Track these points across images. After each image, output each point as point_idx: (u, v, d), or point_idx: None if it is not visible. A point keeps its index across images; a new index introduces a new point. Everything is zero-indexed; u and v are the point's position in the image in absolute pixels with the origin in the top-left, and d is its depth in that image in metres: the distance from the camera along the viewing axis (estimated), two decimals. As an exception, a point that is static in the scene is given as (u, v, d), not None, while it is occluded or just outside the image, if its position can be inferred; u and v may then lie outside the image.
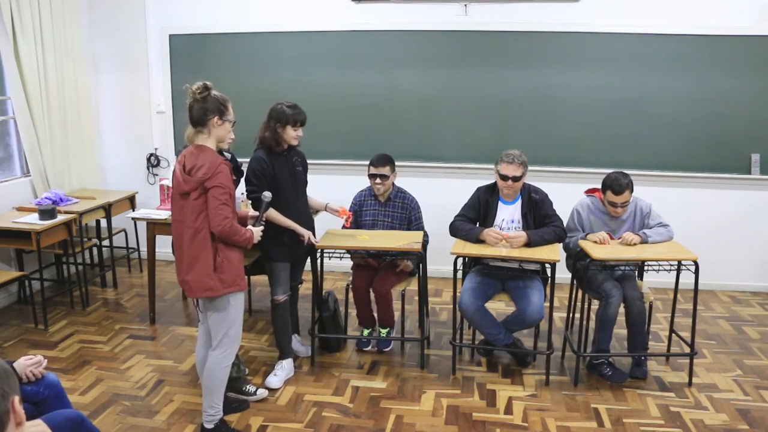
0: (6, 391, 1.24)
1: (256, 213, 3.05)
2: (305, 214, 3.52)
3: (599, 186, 3.63)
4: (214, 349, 2.83)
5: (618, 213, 3.59)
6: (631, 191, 3.51)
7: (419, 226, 3.93)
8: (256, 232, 2.87)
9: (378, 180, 3.85)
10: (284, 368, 3.48)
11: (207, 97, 2.68)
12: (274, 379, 3.42)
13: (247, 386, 3.25)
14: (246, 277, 2.98)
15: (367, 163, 3.90)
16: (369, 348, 3.90)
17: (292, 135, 3.30)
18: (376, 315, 3.92)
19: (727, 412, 3.17)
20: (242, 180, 3.51)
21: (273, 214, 3.31)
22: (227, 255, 2.73)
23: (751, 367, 3.68)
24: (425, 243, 3.84)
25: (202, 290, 2.72)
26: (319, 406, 3.22)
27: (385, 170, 3.85)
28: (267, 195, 3.05)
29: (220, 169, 2.63)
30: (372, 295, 3.85)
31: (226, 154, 3.38)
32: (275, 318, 3.48)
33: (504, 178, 3.52)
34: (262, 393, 3.27)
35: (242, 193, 3.66)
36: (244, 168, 3.46)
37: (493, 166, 3.66)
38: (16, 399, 1.27)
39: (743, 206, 4.91)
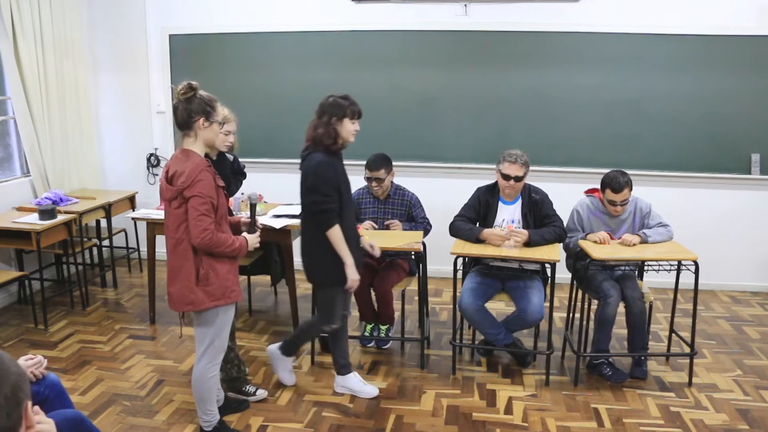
0: (21, 397, 1.22)
1: (248, 219, 2.83)
2: (357, 238, 3.15)
3: (599, 186, 3.64)
4: (198, 360, 2.72)
5: (618, 212, 3.59)
6: (630, 189, 3.51)
7: (423, 221, 3.92)
8: (251, 239, 2.70)
9: (374, 183, 3.85)
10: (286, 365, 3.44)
11: (192, 98, 2.52)
12: (290, 376, 3.40)
13: (247, 386, 3.25)
14: (245, 278, 2.93)
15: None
16: (371, 345, 3.91)
17: (350, 129, 2.96)
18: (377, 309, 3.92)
19: (727, 412, 3.17)
20: (243, 182, 3.50)
21: (335, 236, 2.91)
22: (213, 266, 2.57)
23: (751, 367, 3.68)
24: (427, 231, 3.88)
25: (183, 304, 2.59)
26: (319, 406, 3.21)
27: (380, 173, 3.82)
28: (254, 195, 2.87)
29: (201, 177, 2.46)
30: (372, 294, 3.85)
31: (228, 156, 3.35)
32: (328, 334, 3.26)
33: (506, 177, 3.52)
34: (261, 393, 3.26)
35: (242, 193, 3.65)
36: (248, 170, 3.43)
37: (493, 166, 3.66)
38: (29, 404, 1.25)
39: (743, 206, 4.91)
